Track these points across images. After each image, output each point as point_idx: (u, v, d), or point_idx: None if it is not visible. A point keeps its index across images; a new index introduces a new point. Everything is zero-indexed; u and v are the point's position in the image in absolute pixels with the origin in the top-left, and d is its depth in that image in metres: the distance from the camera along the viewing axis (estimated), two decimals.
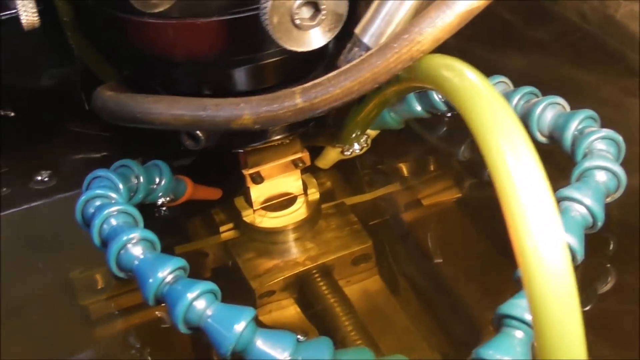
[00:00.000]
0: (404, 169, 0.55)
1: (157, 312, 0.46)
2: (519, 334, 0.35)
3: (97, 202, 0.43)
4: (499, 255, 0.48)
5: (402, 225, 0.52)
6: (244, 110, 0.38)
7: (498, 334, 0.36)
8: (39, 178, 0.53)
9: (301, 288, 0.47)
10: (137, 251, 0.40)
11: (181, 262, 0.39)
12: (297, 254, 0.48)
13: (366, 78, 0.35)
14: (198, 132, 0.43)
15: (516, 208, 0.27)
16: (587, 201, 0.39)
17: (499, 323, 0.36)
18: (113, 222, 0.41)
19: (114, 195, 0.43)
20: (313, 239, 0.49)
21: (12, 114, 0.53)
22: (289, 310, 0.46)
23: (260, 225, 0.49)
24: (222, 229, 0.50)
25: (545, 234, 0.26)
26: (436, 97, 0.50)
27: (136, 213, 0.42)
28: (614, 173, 0.41)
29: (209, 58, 0.41)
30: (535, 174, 0.27)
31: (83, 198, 0.43)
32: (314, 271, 0.47)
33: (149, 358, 0.45)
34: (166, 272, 0.38)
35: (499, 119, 0.29)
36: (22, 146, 0.54)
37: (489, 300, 0.45)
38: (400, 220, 0.52)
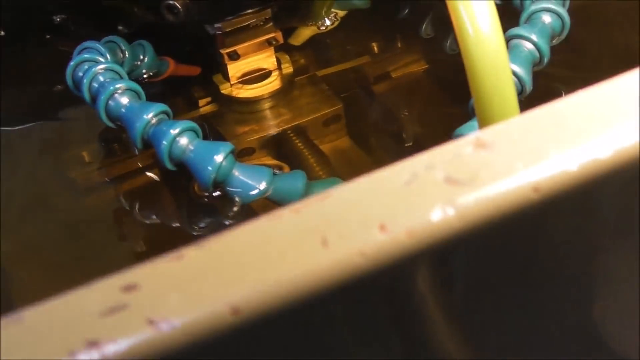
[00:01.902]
0: (373, 45, 0.58)
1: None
2: None
3: (86, 66, 0.46)
4: (461, 113, 0.52)
5: (371, 93, 0.55)
6: None
7: None
8: None
9: (278, 146, 0.50)
10: (124, 100, 0.43)
11: (164, 107, 0.43)
12: (273, 119, 0.52)
13: None
14: (177, 4, 0.47)
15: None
16: (534, 38, 0.43)
17: None
18: (100, 78, 0.45)
19: (101, 59, 0.46)
20: (287, 106, 0.52)
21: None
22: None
23: (238, 96, 0.52)
24: (201, 102, 0.54)
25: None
26: None
27: (121, 70, 0.45)
28: (558, 15, 0.45)
29: None
30: None
31: (72, 63, 0.46)
32: (289, 131, 0.51)
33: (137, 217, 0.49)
34: (150, 115, 0.42)
35: None
36: None
37: None
38: (370, 89, 0.55)
